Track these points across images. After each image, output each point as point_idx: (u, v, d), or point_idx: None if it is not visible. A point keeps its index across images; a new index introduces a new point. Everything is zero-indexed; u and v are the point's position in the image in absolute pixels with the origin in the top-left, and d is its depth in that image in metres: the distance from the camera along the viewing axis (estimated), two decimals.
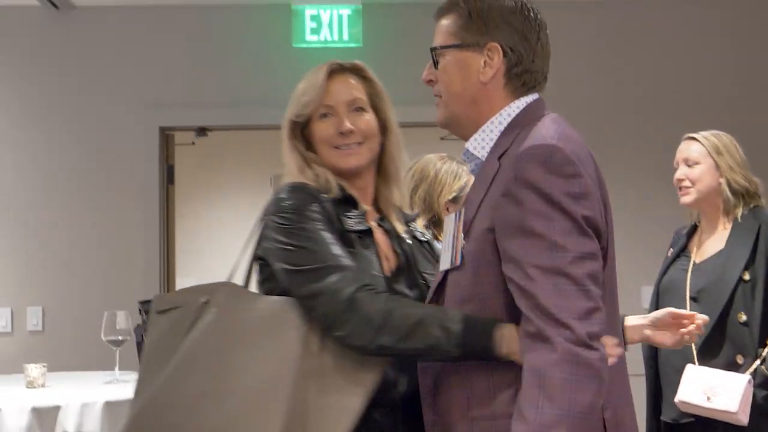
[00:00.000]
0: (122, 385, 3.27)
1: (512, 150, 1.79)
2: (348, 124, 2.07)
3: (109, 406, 2.93)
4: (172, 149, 5.46)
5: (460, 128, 1.95)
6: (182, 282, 6.65)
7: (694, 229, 3.26)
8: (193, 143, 6.10)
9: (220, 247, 8.74)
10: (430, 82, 1.96)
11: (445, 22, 1.94)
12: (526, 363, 1.65)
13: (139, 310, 4.25)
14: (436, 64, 1.93)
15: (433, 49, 1.93)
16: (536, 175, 1.70)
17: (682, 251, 3.24)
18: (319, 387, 1.82)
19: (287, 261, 1.90)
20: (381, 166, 2.17)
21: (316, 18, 5.10)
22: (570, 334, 1.62)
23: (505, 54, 1.88)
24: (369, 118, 2.12)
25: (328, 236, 1.92)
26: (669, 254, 3.32)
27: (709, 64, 5.39)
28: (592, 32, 5.34)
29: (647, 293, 5.03)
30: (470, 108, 1.90)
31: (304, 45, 5.13)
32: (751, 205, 3.11)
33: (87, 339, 4.75)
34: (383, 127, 2.14)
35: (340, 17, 5.10)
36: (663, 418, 3.14)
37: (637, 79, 5.37)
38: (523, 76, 1.90)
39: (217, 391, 1.81)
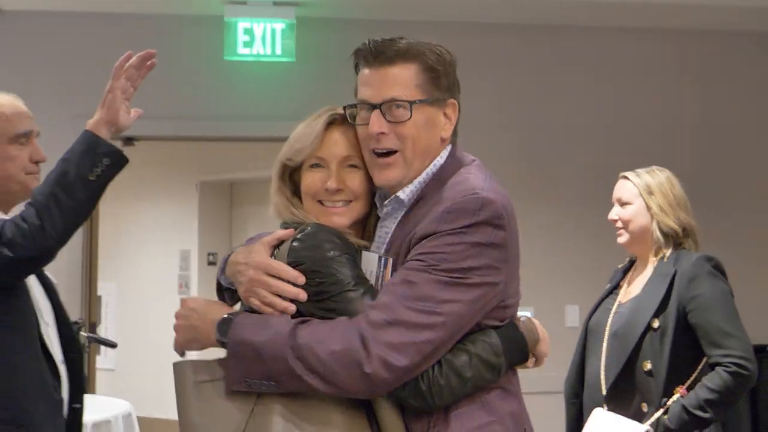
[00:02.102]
0: None
1: (438, 196, 1.81)
2: (334, 184, 1.94)
3: None
4: None
5: (405, 185, 1.88)
6: (103, 286, 6.60)
7: (629, 266, 3.17)
8: None
9: (141, 252, 8.65)
10: (381, 134, 1.85)
11: (407, 72, 1.83)
12: None
13: None
14: (386, 115, 1.83)
15: (409, 102, 1.82)
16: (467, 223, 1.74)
17: (614, 289, 3.16)
18: None
19: None
20: (369, 217, 2.03)
21: (249, 31, 5.02)
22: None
23: (459, 110, 1.89)
24: (361, 177, 1.96)
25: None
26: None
27: (671, 95, 5.54)
28: (541, 56, 5.44)
29: (571, 312, 5.17)
30: (423, 164, 1.87)
31: (236, 58, 5.08)
32: (677, 248, 2.99)
33: None
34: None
35: (273, 31, 5.02)
36: None
37: (579, 106, 5.49)
38: (457, 127, 1.92)
39: None
